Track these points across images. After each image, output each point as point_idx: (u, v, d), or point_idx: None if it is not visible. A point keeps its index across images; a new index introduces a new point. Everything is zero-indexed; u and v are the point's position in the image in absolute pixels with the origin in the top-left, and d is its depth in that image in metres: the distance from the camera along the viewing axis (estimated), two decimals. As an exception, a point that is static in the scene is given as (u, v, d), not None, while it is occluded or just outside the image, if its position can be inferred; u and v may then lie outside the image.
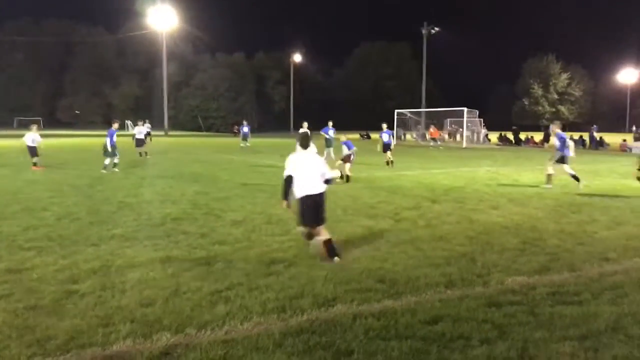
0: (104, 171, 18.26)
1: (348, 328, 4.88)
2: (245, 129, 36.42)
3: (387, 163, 21.85)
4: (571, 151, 14.76)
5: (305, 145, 7.34)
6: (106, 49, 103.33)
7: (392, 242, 8.18)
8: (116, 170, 18.74)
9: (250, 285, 6.08)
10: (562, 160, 14.69)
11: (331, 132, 25.77)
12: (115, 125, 19.56)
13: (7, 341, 4.57)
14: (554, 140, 14.78)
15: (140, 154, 26.26)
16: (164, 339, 4.64)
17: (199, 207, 11.28)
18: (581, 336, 4.73)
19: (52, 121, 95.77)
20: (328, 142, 25.52)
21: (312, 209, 7.08)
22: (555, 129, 15.12)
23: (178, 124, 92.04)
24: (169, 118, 72.21)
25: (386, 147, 22.22)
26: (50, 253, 7.39)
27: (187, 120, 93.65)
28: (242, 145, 35.36)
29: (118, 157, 19.26)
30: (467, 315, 5.19)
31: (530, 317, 5.17)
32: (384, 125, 22.82)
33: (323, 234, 7.12)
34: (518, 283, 6.22)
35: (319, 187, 7.15)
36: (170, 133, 66.73)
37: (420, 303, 5.53)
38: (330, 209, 11.14)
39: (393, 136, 23.58)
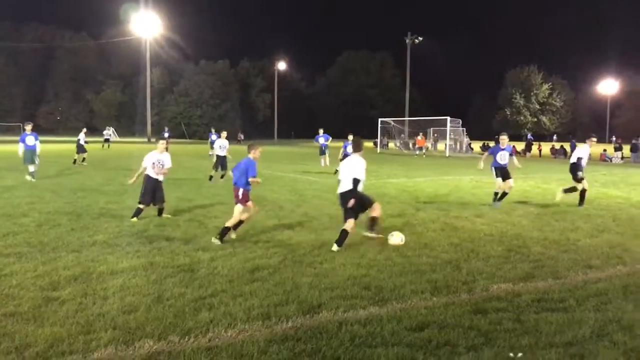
0: (28, 177, 17.16)
1: (334, 335, 4.83)
2: (214, 137, 34.53)
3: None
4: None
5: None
6: (89, 54, 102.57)
7: (377, 249, 8.16)
8: (29, 178, 17.12)
9: (235, 292, 6.01)
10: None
11: (322, 140, 25.81)
12: (28, 128, 18.19)
13: (-16, 349, 4.45)
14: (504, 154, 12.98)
15: (75, 161, 25.05)
16: (147, 346, 4.55)
17: (182, 214, 11.17)
18: (567, 343, 4.73)
19: (32, 127, 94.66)
20: (321, 150, 25.57)
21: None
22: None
23: (161, 131, 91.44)
24: (153, 125, 71.79)
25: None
26: (30, 259, 7.24)
27: (171, 127, 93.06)
28: (210, 153, 33.10)
29: (36, 164, 17.62)
30: (453, 322, 5.17)
31: (516, 324, 5.16)
32: (350, 137, 22.57)
33: None
34: (503, 290, 6.22)
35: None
36: (154, 140, 66.31)
37: (406, 310, 5.50)
38: (315, 216, 11.16)
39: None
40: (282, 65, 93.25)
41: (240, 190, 8.79)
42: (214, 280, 6.41)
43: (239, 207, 8.82)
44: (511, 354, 4.60)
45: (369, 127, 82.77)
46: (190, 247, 8.14)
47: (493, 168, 13.17)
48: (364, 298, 5.87)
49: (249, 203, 8.90)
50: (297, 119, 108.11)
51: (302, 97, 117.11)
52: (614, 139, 53.45)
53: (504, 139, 13.40)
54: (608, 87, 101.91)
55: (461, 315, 5.35)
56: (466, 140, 51.21)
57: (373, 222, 8.76)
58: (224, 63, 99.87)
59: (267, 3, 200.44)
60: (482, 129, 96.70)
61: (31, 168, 17.46)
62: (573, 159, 13.67)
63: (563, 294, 6.10)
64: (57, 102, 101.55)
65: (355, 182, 8.23)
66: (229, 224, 8.67)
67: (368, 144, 59.95)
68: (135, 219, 10.36)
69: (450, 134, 46.77)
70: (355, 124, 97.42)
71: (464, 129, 51.64)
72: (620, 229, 10.22)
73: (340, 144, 26.77)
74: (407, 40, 67.58)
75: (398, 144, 55.48)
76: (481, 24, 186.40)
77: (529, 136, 70.56)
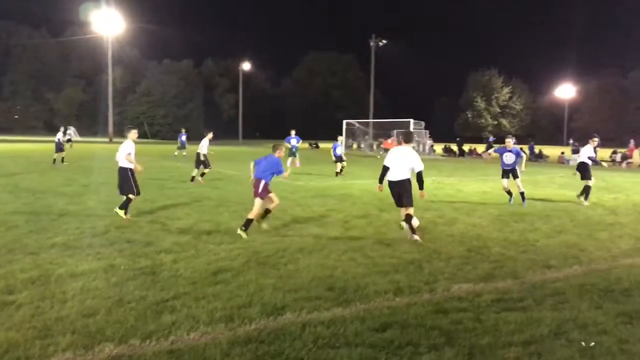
0: None
1: (297, 337, 4.83)
2: (184, 138, 34.58)
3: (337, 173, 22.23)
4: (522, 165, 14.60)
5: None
6: (49, 52, 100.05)
7: (342, 250, 8.20)
8: None
9: (197, 294, 5.95)
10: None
11: (293, 141, 26.02)
12: None
13: (-64, 355, 4.31)
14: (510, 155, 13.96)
15: (55, 160, 24.67)
16: (107, 350, 4.47)
17: (144, 215, 11.02)
18: (525, 341, 4.84)
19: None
20: (291, 151, 25.79)
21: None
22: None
23: (124, 131, 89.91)
24: (115, 124, 70.48)
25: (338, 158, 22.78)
26: (-15, 262, 7.03)
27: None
28: (176, 153, 33.60)
29: None
30: (415, 322, 5.23)
31: (477, 323, 5.25)
32: (340, 138, 23.53)
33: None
34: (464, 290, 6.33)
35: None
36: (115, 140, 65.12)
37: (369, 310, 5.54)
38: (279, 217, 11.13)
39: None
40: (246, 66, 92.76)
41: (262, 182, 9.31)
42: (176, 283, 6.34)
43: (259, 201, 9.30)
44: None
45: (334, 128, 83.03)
46: (152, 249, 8.03)
47: (501, 169, 14.21)
48: (328, 299, 5.89)
49: (271, 194, 9.52)
50: (262, 120, 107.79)
51: (267, 97, 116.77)
52: (571, 141, 54.81)
53: (509, 141, 14.25)
54: (566, 91, 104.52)
55: (423, 316, 5.42)
56: (429, 142, 51.79)
57: (407, 218, 9.28)
58: (187, 62, 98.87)
59: (231, 3, 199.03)
60: (445, 131, 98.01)
61: None
62: (583, 159, 15.01)
63: (522, 293, 6.23)
64: (15, 101, 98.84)
65: (420, 174, 9.43)
66: (250, 216, 9.21)
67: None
68: (124, 211, 10.52)
69: (414, 136, 47.31)
70: (320, 124, 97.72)
71: (427, 131, 52.24)
72: (577, 230, 10.50)
73: (305, 145, 26.86)
74: (372, 43, 68.05)
75: (362, 145, 55.78)
76: (445, 27, 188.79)
77: (491, 138, 71.88)
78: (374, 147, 50.99)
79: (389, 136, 48.22)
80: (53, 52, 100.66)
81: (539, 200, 15.14)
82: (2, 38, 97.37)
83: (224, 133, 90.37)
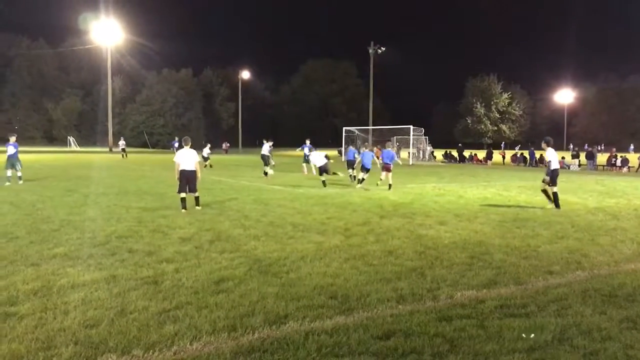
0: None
1: (300, 346, 4.81)
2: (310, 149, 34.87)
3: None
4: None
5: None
6: (48, 63, 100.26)
7: (343, 258, 8.18)
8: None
9: (200, 303, 5.94)
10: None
11: (307, 150, 26.77)
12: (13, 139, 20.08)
13: (-62, 368, 4.30)
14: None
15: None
16: (110, 361, 4.46)
17: (145, 225, 11.01)
18: (529, 348, 4.82)
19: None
20: (306, 158, 26.53)
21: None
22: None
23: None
24: (114, 134, 70.60)
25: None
26: (-13, 274, 7.02)
27: (133, 137, 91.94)
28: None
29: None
30: (419, 330, 5.21)
31: (480, 330, 5.23)
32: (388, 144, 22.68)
33: None
34: (467, 297, 6.31)
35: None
36: (115, 150, 65.21)
37: (372, 318, 5.52)
38: (280, 225, 11.13)
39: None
40: (245, 74, 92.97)
41: (390, 165, 19.50)
42: (179, 292, 6.33)
43: (386, 173, 19.45)
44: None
45: (334, 136, 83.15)
46: (153, 258, 8.02)
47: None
48: (331, 307, 5.87)
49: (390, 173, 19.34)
50: (261, 128, 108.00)
51: (266, 105, 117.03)
52: (571, 146, 54.93)
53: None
54: (564, 96, 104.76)
55: (426, 323, 5.40)
56: (429, 148, 51.90)
57: None
58: (186, 72, 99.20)
59: (229, 12, 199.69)
60: (445, 137, 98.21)
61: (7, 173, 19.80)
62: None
63: (525, 299, 6.21)
64: (15, 111, 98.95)
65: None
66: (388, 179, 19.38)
67: (332, 152, 60.19)
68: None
69: (413, 142, 47.37)
70: (319, 132, 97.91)
71: (427, 137, 52.37)
72: (578, 235, 10.48)
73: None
74: (370, 51, 68.18)
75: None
76: (444, 33, 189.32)
77: (502, 145, 72.74)
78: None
79: (383, 145, 48.36)
80: (52, 62, 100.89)
81: (539, 206, 15.11)
82: (1, 49, 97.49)
83: (224, 141, 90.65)
